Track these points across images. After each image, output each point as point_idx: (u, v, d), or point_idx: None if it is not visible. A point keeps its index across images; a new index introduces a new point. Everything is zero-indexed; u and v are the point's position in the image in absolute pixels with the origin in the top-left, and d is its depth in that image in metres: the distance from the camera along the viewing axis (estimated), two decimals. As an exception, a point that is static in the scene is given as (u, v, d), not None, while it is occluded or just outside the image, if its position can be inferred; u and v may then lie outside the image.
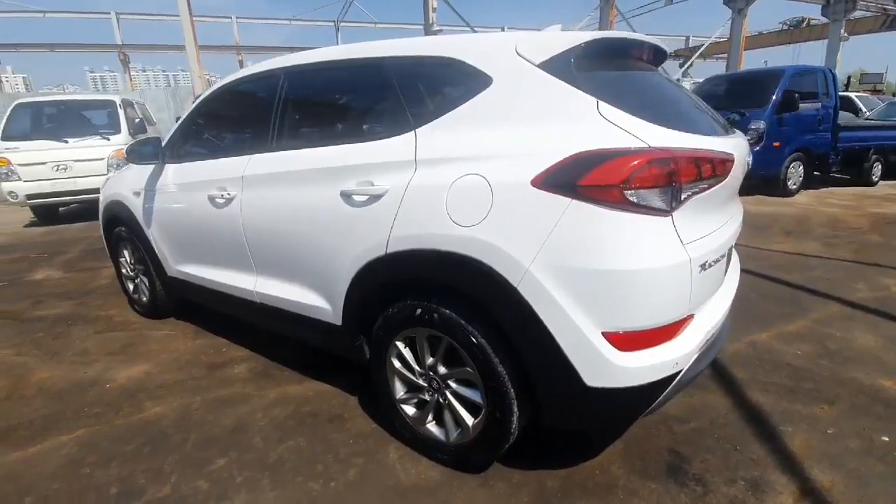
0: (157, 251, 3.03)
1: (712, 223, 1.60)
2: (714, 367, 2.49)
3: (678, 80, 14.92)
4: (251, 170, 2.26)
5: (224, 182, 2.38)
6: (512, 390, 1.57)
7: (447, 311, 1.63)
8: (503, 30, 25.21)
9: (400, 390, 1.92)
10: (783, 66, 7.20)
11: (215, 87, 2.71)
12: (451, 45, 1.74)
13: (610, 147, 1.35)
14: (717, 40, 20.43)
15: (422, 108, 1.75)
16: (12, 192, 6.92)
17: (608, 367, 1.42)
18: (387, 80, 1.87)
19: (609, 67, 1.65)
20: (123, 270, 3.54)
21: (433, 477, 1.81)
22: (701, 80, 10.14)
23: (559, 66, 1.51)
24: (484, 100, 1.60)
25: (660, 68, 2.11)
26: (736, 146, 1.80)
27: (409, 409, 1.92)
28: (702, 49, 18.06)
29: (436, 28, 13.99)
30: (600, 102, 1.42)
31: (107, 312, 3.65)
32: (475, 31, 14.28)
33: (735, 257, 2.18)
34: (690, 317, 1.53)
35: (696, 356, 1.53)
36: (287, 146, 2.16)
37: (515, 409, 1.60)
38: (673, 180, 1.36)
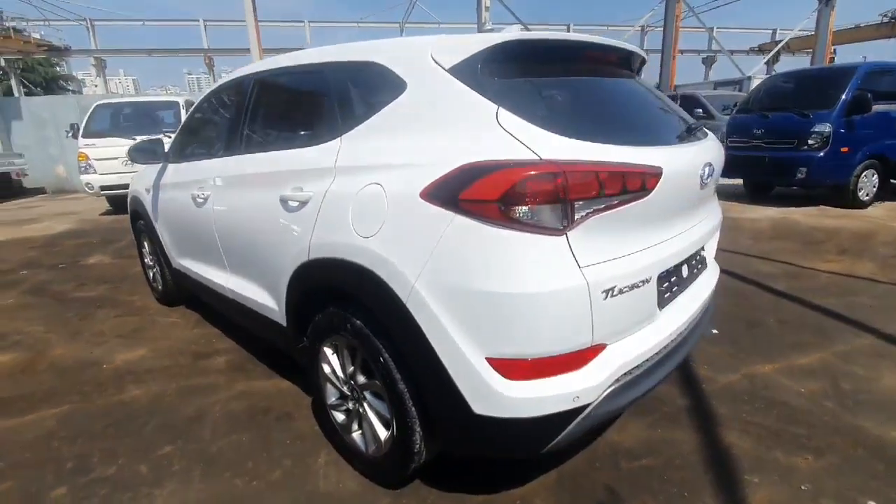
0: (163, 244, 3.26)
1: (634, 243, 1.43)
2: (694, 398, 2.26)
3: (749, 77, 13.65)
4: (221, 171, 2.37)
5: (202, 182, 2.51)
6: (413, 409, 1.52)
7: (358, 322, 1.60)
8: (568, 28, 24.51)
9: (331, 396, 1.92)
10: (856, 62, 6.34)
11: (207, 91, 2.86)
12: (375, 49, 1.70)
13: (495, 159, 1.26)
14: (804, 33, 18.48)
15: (350, 113, 1.73)
16: (89, 183, 7.80)
17: (494, 396, 1.32)
18: (324, 86, 1.87)
19: (527, 72, 1.51)
20: (145, 260, 3.85)
21: (350, 488, 1.79)
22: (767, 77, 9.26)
23: (467, 71, 1.42)
24: (397, 106, 1.55)
25: (634, 70, 1.94)
26: (686, 156, 1.62)
27: (339, 416, 1.91)
28: (781, 43, 16.42)
29: (488, 27, 13.83)
30: (500, 110, 1.33)
31: (131, 298, 3.99)
32: (528, 30, 13.93)
33: (709, 276, 1.97)
34: (600, 347, 1.38)
35: (607, 390, 1.38)
36: (248, 150, 2.24)
37: (418, 428, 1.54)
38: (562, 196, 1.23)
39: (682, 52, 20.05)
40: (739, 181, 7.92)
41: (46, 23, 25.26)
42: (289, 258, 1.85)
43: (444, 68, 1.46)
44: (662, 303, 1.59)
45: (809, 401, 2.22)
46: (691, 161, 1.63)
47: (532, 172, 1.22)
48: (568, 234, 1.26)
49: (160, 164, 3.11)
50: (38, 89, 28.46)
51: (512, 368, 1.30)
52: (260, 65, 2.36)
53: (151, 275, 3.81)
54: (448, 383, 1.36)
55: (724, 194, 7.20)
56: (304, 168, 1.81)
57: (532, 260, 1.24)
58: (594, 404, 1.37)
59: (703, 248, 1.90)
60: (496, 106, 1.34)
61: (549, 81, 1.59)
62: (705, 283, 1.91)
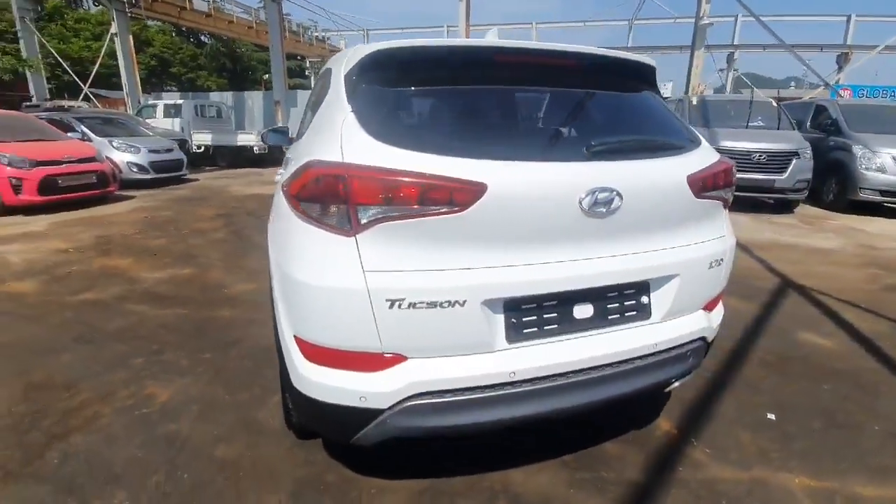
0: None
1: (448, 260, 1.35)
2: (649, 477, 1.90)
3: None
4: None
5: None
6: (280, 372, 1.74)
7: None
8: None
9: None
10: None
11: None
12: (337, 56, 1.95)
13: (314, 159, 1.41)
14: None
15: (308, 114, 2.07)
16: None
17: (297, 372, 1.48)
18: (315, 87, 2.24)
19: (395, 80, 1.55)
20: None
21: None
22: None
23: (349, 79, 1.57)
24: (322, 106, 1.76)
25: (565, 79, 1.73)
26: (550, 176, 1.43)
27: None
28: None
29: (706, 21, 11.94)
30: (349, 115, 1.45)
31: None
32: (759, 21, 11.50)
33: (652, 330, 1.64)
34: (398, 358, 1.40)
35: (404, 403, 1.39)
36: None
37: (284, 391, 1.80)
38: (344, 198, 1.30)
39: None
40: None
41: (338, 33, 32.33)
42: None
43: (342, 75, 1.63)
44: (516, 336, 1.46)
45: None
46: (558, 182, 1.42)
47: (320, 174, 1.34)
48: (357, 236, 1.32)
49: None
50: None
51: (310, 351, 1.44)
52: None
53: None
54: (281, 353, 1.59)
55: None
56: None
57: (320, 255, 1.36)
58: (389, 413, 1.40)
59: (635, 291, 1.61)
60: (349, 111, 1.47)
61: (419, 90, 1.60)
62: (635, 336, 1.61)
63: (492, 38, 1.86)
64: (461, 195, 1.32)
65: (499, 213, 1.36)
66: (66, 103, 14.84)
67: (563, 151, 1.57)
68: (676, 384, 1.80)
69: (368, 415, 1.41)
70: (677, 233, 1.63)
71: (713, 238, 1.72)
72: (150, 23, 25.51)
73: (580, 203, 1.42)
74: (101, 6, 20.73)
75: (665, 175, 1.59)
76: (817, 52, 19.27)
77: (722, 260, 1.72)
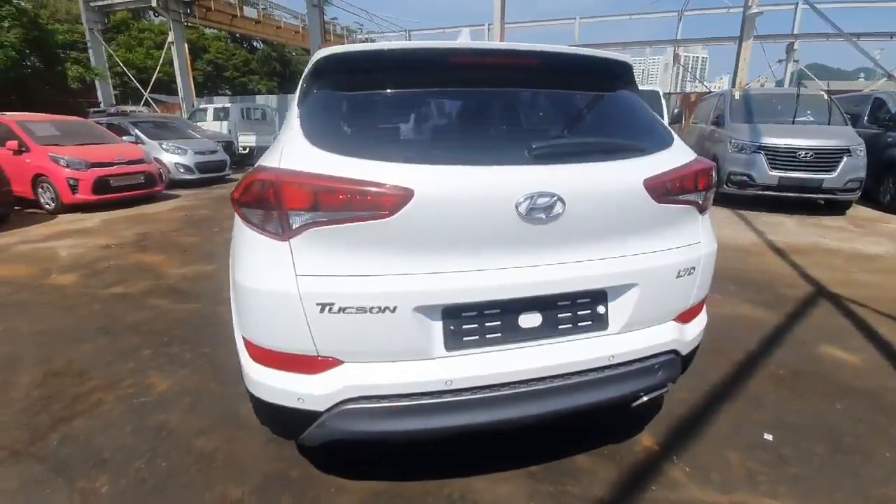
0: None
1: (377, 266, 1.35)
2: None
3: None
4: None
5: None
6: None
7: None
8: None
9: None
10: None
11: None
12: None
13: (258, 164, 1.45)
14: None
15: None
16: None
17: (245, 372, 1.54)
18: None
19: (339, 84, 1.56)
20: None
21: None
22: None
23: (302, 84, 1.62)
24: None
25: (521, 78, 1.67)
26: (486, 179, 1.39)
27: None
28: None
29: (755, 10, 11.15)
30: (294, 122, 1.50)
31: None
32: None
33: (608, 341, 1.58)
34: (334, 361, 1.41)
35: (341, 406, 1.41)
36: None
37: None
38: (275, 204, 1.33)
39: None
40: None
41: (381, 34, 32.90)
42: None
43: (300, 81, 1.67)
44: (455, 344, 1.44)
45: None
46: (492, 186, 1.37)
47: (255, 179, 1.37)
48: (290, 241, 1.34)
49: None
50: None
51: (255, 352, 1.49)
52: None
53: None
54: (237, 351, 1.65)
55: None
56: None
57: (258, 259, 1.39)
58: (327, 416, 1.42)
59: (590, 300, 1.54)
60: (296, 116, 1.51)
61: (366, 94, 1.60)
62: (590, 347, 1.54)
63: (464, 40, 1.84)
64: (387, 201, 1.31)
65: (428, 219, 1.34)
66: (127, 108, 15.95)
67: (505, 155, 1.50)
68: (645, 398, 1.71)
69: (308, 416, 1.43)
70: (636, 240, 1.54)
71: (682, 245, 1.62)
72: (206, 30, 27.03)
73: (517, 208, 1.37)
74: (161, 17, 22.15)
75: (617, 179, 1.51)
76: (888, 40, 17.66)
77: (694, 268, 1.62)
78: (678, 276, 1.59)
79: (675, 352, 1.67)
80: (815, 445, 2.07)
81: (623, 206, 1.51)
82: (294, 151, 1.40)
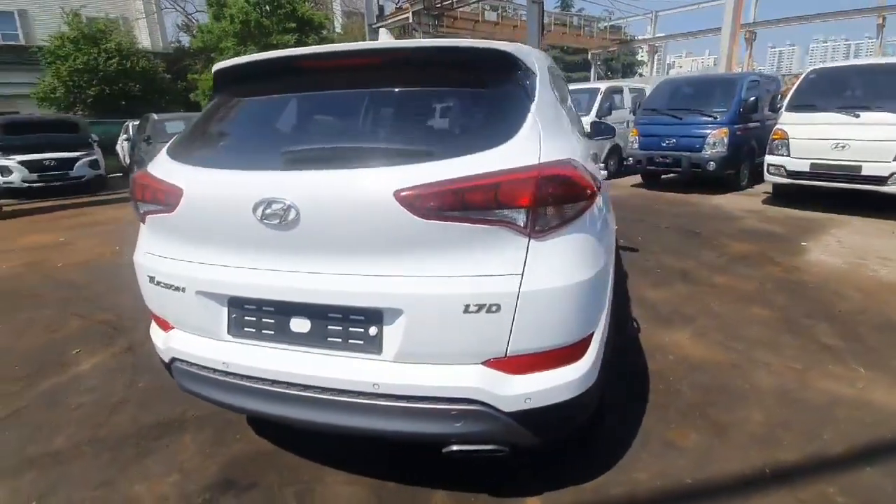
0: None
1: (173, 251, 1.62)
2: None
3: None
4: None
5: None
6: None
7: None
8: None
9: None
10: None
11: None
12: None
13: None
14: None
15: None
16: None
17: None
18: None
19: (228, 93, 1.83)
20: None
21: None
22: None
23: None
24: None
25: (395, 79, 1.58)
26: (229, 183, 1.50)
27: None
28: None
29: None
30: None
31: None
32: None
33: (375, 366, 1.43)
34: (166, 324, 1.74)
35: (175, 364, 1.72)
36: None
37: None
38: (138, 197, 1.69)
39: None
40: None
41: (624, 20, 30.76)
42: None
43: None
44: (236, 332, 1.58)
45: None
46: (233, 189, 1.48)
47: (136, 177, 1.75)
48: (141, 224, 1.76)
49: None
50: (618, 75, 35.21)
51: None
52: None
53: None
54: None
55: None
56: None
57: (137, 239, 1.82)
58: (172, 369, 1.75)
59: (363, 319, 1.43)
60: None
61: (229, 102, 1.84)
62: (355, 369, 1.43)
63: (383, 39, 1.87)
64: (170, 197, 1.56)
65: (196, 216, 1.54)
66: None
67: (261, 159, 1.57)
68: (455, 448, 1.46)
69: (167, 367, 1.79)
70: (400, 260, 1.34)
71: (476, 274, 1.31)
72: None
73: (254, 212, 1.40)
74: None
75: (361, 188, 1.35)
76: None
77: (498, 305, 1.29)
78: (466, 312, 1.30)
79: (483, 403, 1.37)
80: None
81: (371, 219, 1.34)
82: (157, 158, 1.78)
